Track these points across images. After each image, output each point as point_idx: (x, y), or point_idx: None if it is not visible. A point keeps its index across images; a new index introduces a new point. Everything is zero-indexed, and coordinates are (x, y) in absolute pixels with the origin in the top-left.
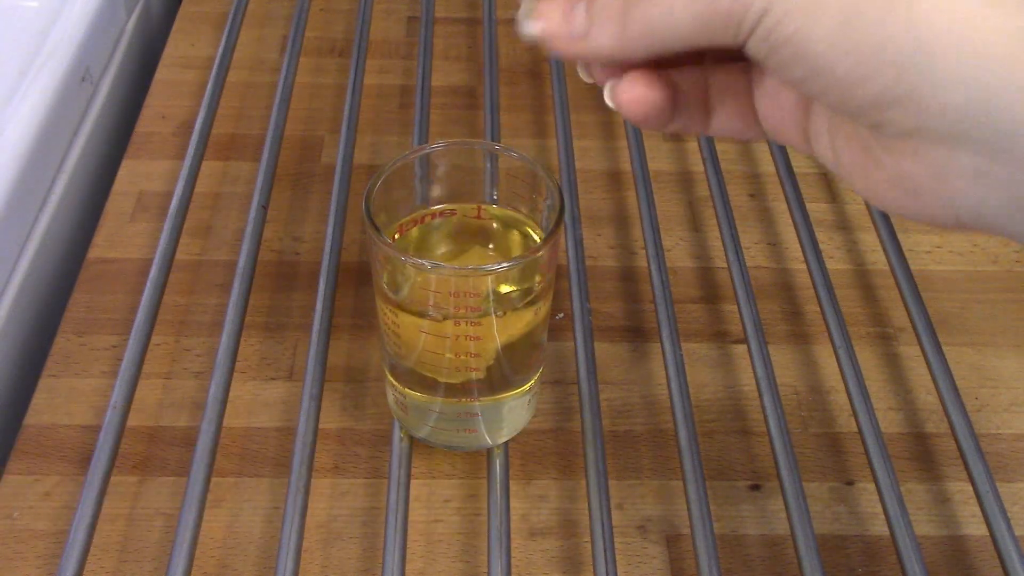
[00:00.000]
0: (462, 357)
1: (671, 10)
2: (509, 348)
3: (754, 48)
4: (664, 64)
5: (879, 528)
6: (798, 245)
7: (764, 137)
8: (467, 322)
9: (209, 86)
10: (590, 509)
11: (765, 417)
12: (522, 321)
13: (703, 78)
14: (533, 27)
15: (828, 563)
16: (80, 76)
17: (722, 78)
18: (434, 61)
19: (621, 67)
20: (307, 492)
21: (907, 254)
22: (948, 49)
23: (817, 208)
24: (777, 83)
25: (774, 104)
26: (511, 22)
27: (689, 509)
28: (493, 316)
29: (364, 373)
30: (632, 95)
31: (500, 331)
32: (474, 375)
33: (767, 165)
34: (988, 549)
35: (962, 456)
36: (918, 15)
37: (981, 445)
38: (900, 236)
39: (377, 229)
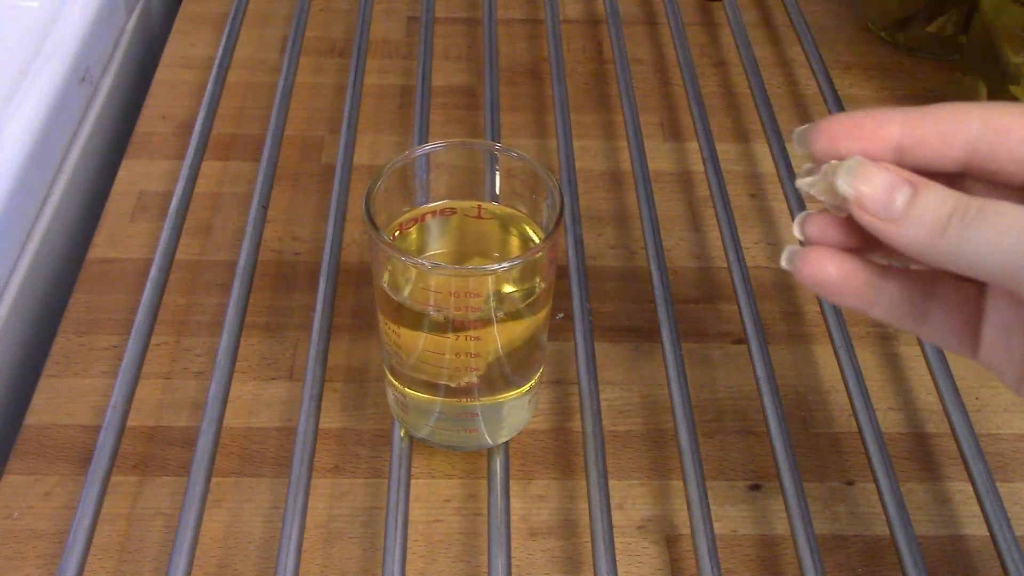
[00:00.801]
0: (462, 357)
1: (994, 240)
2: (509, 348)
3: (1010, 334)
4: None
5: (879, 528)
6: (798, 245)
7: (974, 359)
8: (467, 322)
9: (209, 86)
10: (590, 509)
11: (765, 417)
12: (522, 321)
13: (929, 284)
14: (849, 187)
15: (828, 563)
16: (80, 76)
17: (952, 293)
18: (434, 61)
19: (847, 239)
20: (307, 492)
21: None
22: None
23: (817, 208)
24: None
25: (1005, 341)
26: (511, 22)
27: (689, 509)
28: (493, 316)
29: (364, 373)
30: (813, 270)
31: (500, 331)
32: (474, 375)
33: (767, 165)
34: (988, 549)
35: (962, 456)
36: None
37: (981, 445)
38: None
39: (377, 229)
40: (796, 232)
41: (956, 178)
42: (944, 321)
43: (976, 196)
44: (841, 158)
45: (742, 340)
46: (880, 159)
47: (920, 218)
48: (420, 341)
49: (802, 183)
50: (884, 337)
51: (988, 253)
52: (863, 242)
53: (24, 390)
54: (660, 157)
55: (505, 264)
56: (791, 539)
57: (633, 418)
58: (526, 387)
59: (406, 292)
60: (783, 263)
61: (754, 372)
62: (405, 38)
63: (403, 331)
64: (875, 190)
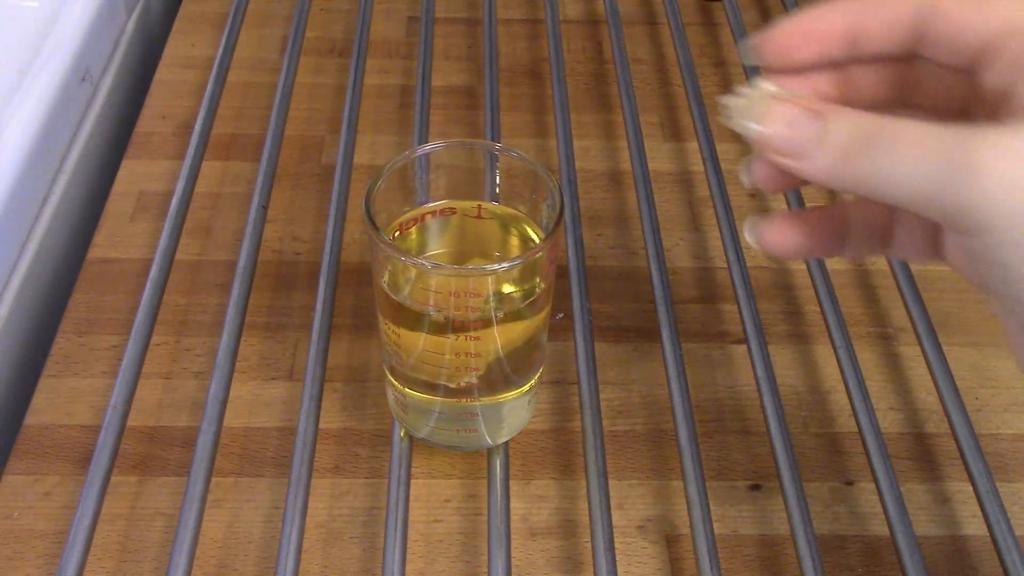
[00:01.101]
0: (462, 357)
1: (895, 169)
2: (509, 348)
3: (956, 244)
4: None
5: (879, 528)
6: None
7: (942, 263)
8: (467, 322)
9: (209, 86)
10: (590, 509)
11: (765, 417)
12: (522, 321)
13: (889, 212)
14: (752, 128)
15: (828, 563)
16: (80, 76)
17: (911, 214)
18: (434, 61)
19: (795, 183)
20: (307, 492)
21: None
22: None
23: None
24: None
25: (961, 246)
26: (511, 22)
27: (689, 509)
28: (493, 316)
29: (364, 373)
30: (774, 239)
31: (500, 331)
32: (474, 375)
33: None
34: (988, 549)
35: (962, 456)
36: None
37: (981, 445)
38: None
39: (377, 229)
40: (744, 180)
41: (913, 63)
42: (908, 240)
43: (886, 115)
44: (796, 68)
45: (742, 340)
46: (835, 58)
47: (824, 150)
48: (420, 341)
49: (724, 101)
50: (884, 337)
51: (890, 182)
52: None
53: (24, 390)
54: (660, 157)
55: (505, 264)
56: (791, 539)
57: (633, 418)
58: (526, 387)
59: (406, 292)
60: (746, 236)
61: (754, 372)
62: (405, 38)
63: (403, 331)
64: (778, 128)
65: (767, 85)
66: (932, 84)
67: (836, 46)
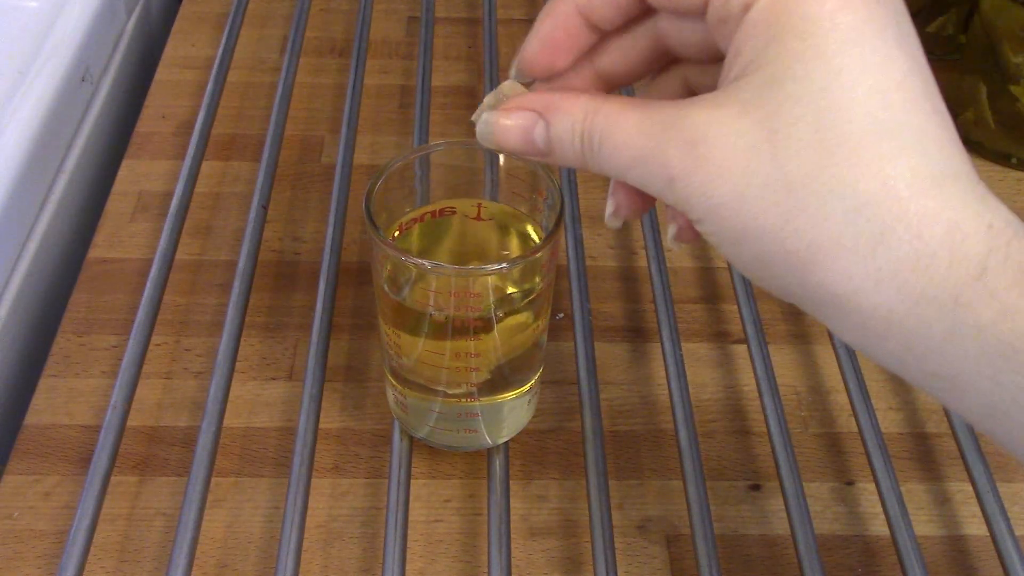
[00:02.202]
0: (462, 357)
1: (619, 170)
2: (509, 348)
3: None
4: None
5: (879, 528)
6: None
7: None
8: (467, 322)
9: (209, 86)
10: (590, 509)
11: (765, 417)
12: (522, 321)
13: None
14: (492, 142)
15: (828, 563)
16: (80, 76)
17: None
18: (434, 61)
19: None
20: (307, 492)
21: None
22: (836, 313)
23: None
24: None
25: None
26: (511, 22)
27: (689, 509)
28: (493, 316)
29: (364, 373)
30: (685, 240)
31: (500, 331)
32: (474, 375)
33: None
34: (988, 549)
35: (962, 456)
36: (814, 281)
37: (981, 445)
38: None
39: (377, 229)
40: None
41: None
42: None
43: (605, 104)
44: (559, 73)
45: (742, 340)
46: (589, 46)
47: (562, 148)
48: (420, 342)
49: (473, 120)
50: None
51: (622, 176)
52: None
53: (24, 390)
54: None
55: (505, 264)
56: (791, 539)
57: (633, 418)
58: (526, 387)
59: (406, 292)
60: (671, 244)
61: (754, 372)
62: (405, 38)
63: (403, 331)
64: (511, 141)
65: (488, 99)
66: (689, 40)
67: (583, 38)
